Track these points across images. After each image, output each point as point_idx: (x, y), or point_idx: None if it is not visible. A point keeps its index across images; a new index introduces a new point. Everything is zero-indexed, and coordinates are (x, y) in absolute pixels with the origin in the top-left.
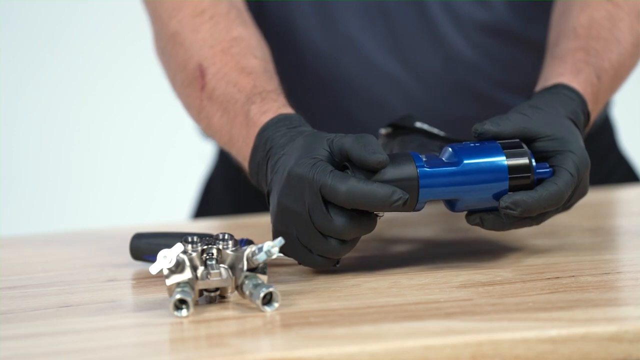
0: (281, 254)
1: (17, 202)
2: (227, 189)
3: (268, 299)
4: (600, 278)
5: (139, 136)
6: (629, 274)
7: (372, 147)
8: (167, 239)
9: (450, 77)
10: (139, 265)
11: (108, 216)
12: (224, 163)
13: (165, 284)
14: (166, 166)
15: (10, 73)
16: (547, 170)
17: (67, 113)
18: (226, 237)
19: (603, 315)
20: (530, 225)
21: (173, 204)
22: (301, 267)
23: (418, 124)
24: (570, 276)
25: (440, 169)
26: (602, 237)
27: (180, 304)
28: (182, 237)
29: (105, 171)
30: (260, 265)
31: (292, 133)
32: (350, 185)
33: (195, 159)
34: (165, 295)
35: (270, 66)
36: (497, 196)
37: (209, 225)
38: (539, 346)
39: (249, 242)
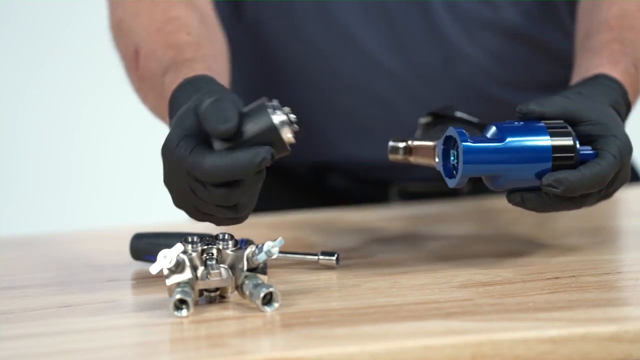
0: (281, 254)
1: (17, 202)
2: None
3: (268, 299)
4: (600, 278)
5: (139, 136)
6: (629, 274)
7: (222, 115)
8: (167, 239)
9: (453, 75)
10: (139, 265)
11: (108, 216)
12: None
13: (165, 284)
14: None
15: (10, 73)
16: (591, 152)
17: (67, 113)
18: (226, 237)
19: (603, 315)
20: (570, 208)
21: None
22: (301, 267)
23: (458, 114)
24: (570, 276)
25: (484, 144)
26: (602, 237)
27: (180, 304)
28: (182, 237)
29: (105, 171)
30: (260, 265)
31: (189, 99)
32: (211, 162)
33: None
34: (165, 295)
35: (205, 42)
36: (540, 175)
37: (209, 226)
38: (539, 346)
39: (249, 242)
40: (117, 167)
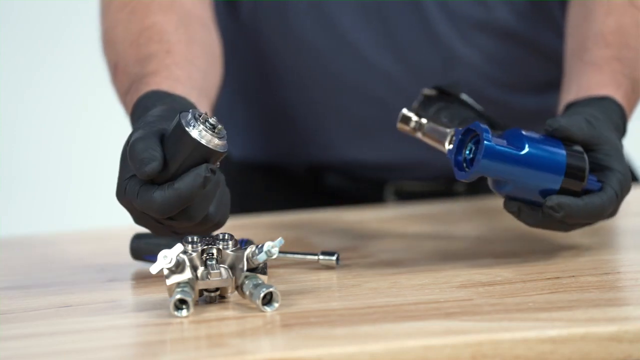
0: (281, 254)
1: (17, 202)
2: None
3: (268, 299)
4: (600, 278)
5: None
6: (629, 274)
7: (144, 156)
8: (167, 239)
9: (448, 76)
10: (139, 265)
11: (108, 216)
12: (222, 167)
13: (165, 284)
14: None
15: (10, 73)
16: (597, 183)
17: (67, 113)
18: (226, 237)
19: (603, 315)
20: (559, 230)
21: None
22: (301, 267)
23: (464, 97)
24: (570, 276)
25: (505, 148)
26: (602, 237)
27: (180, 304)
28: (182, 237)
29: (105, 171)
30: (260, 265)
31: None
32: (159, 199)
33: None
34: (165, 295)
35: (178, 47)
36: (544, 192)
37: None
38: (539, 346)
39: (249, 242)
40: (117, 167)
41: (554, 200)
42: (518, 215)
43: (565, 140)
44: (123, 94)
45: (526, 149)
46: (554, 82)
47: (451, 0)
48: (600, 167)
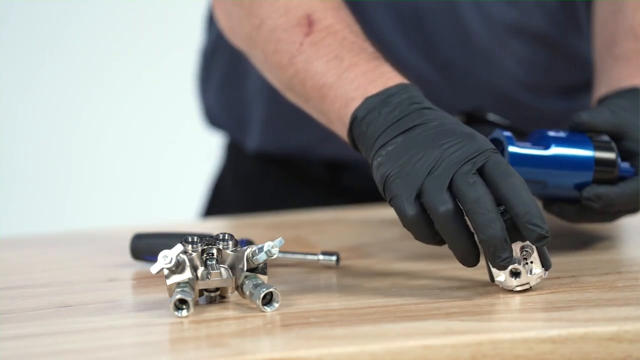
0: (281, 254)
1: (17, 202)
2: (238, 188)
3: (268, 299)
4: (600, 278)
5: (139, 136)
6: (629, 274)
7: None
8: (167, 239)
9: (482, 79)
10: (139, 265)
11: (108, 216)
12: (235, 161)
13: (165, 284)
14: (166, 166)
15: (10, 73)
16: (630, 169)
17: (67, 113)
18: (226, 237)
19: (603, 315)
20: (604, 221)
21: (173, 203)
22: (301, 267)
23: (491, 117)
24: (570, 276)
25: (530, 150)
26: (602, 237)
27: (180, 304)
28: (182, 237)
29: (105, 171)
30: (261, 265)
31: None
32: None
33: (197, 158)
34: (165, 295)
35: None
36: (579, 186)
37: (210, 226)
38: (539, 346)
39: (249, 242)
40: (117, 167)
41: (590, 191)
42: (562, 215)
43: (591, 132)
44: (358, 55)
45: (552, 149)
46: (582, 85)
47: (486, 1)
48: (631, 153)
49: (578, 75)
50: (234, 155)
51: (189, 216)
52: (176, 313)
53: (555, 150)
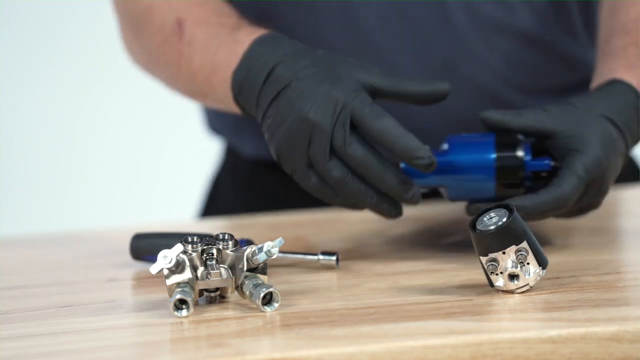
0: (281, 254)
1: (17, 202)
2: (236, 188)
3: (268, 299)
4: (600, 278)
5: (139, 136)
6: (629, 274)
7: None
8: (167, 239)
9: (471, 79)
10: (139, 265)
11: (108, 216)
12: (233, 162)
13: (165, 284)
14: (166, 166)
15: (10, 73)
16: (545, 164)
17: (67, 113)
18: (226, 237)
19: (603, 315)
20: (535, 220)
21: (173, 203)
22: (301, 267)
23: None
24: (570, 276)
25: None
26: (602, 237)
27: (180, 304)
28: (182, 237)
29: (105, 171)
30: (260, 265)
31: (298, 47)
32: (386, 123)
33: (196, 158)
34: (165, 295)
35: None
36: (484, 188)
37: (210, 226)
38: (539, 346)
39: (249, 242)
40: (117, 167)
41: (472, 208)
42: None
43: (506, 132)
44: (217, 35)
45: (450, 153)
46: (571, 86)
47: (477, 0)
48: (564, 151)
49: (570, 76)
50: (232, 157)
51: (188, 216)
52: (176, 313)
53: (451, 156)
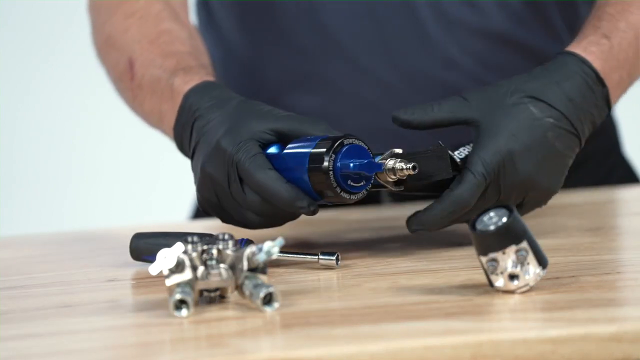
0: (281, 254)
1: (17, 202)
2: None
3: (268, 299)
4: (600, 278)
5: (139, 136)
6: (629, 274)
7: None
8: (167, 239)
9: (442, 81)
10: (139, 265)
11: (108, 216)
12: None
13: (165, 284)
14: (166, 166)
15: (10, 73)
16: (364, 162)
17: (67, 113)
18: (226, 237)
19: (603, 315)
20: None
21: (173, 204)
22: (301, 267)
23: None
24: (570, 276)
25: (271, 149)
26: (602, 237)
27: (180, 304)
28: (182, 237)
29: (105, 171)
30: (260, 265)
31: (219, 97)
32: (263, 177)
33: None
34: (165, 295)
35: (199, 54)
36: (307, 183)
37: (209, 226)
38: (539, 346)
39: (249, 242)
40: (117, 167)
41: (412, 220)
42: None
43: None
44: (158, 80)
45: (288, 147)
46: None
47: (445, 1)
48: (475, 142)
49: None
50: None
51: (188, 217)
52: (176, 313)
53: (285, 151)
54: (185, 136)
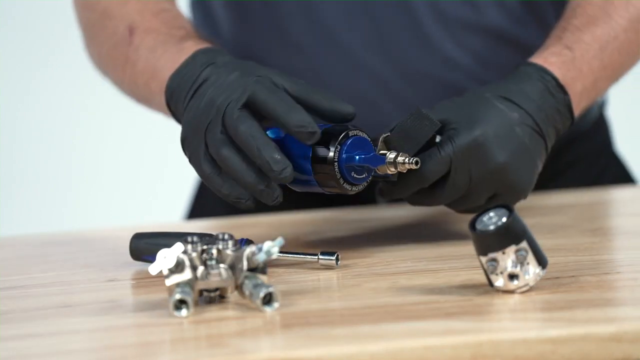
0: (281, 254)
1: (17, 202)
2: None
3: (268, 299)
4: (600, 278)
5: (139, 136)
6: (629, 274)
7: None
8: (167, 239)
9: (440, 78)
10: (139, 265)
11: (108, 216)
12: None
13: (165, 284)
14: (166, 166)
15: (10, 73)
16: (362, 157)
17: (67, 113)
18: (226, 237)
19: (603, 315)
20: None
21: (173, 204)
22: (301, 267)
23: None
24: (570, 276)
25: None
26: (602, 237)
27: (180, 304)
28: (182, 237)
29: (105, 171)
30: (260, 265)
31: (235, 63)
32: (246, 127)
33: None
34: (165, 295)
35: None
36: (307, 169)
37: (208, 226)
38: (539, 346)
39: (249, 242)
40: (117, 167)
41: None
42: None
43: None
44: (164, 43)
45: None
46: None
47: (441, 1)
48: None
49: None
50: None
51: (183, 216)
52: (176, 313)
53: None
54: (182, 87)
